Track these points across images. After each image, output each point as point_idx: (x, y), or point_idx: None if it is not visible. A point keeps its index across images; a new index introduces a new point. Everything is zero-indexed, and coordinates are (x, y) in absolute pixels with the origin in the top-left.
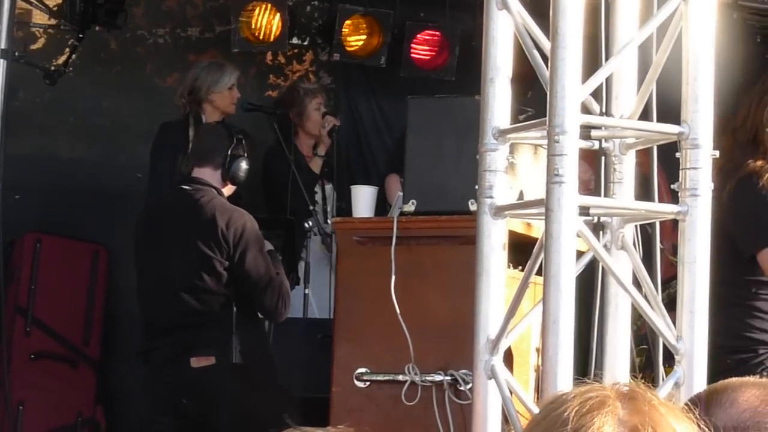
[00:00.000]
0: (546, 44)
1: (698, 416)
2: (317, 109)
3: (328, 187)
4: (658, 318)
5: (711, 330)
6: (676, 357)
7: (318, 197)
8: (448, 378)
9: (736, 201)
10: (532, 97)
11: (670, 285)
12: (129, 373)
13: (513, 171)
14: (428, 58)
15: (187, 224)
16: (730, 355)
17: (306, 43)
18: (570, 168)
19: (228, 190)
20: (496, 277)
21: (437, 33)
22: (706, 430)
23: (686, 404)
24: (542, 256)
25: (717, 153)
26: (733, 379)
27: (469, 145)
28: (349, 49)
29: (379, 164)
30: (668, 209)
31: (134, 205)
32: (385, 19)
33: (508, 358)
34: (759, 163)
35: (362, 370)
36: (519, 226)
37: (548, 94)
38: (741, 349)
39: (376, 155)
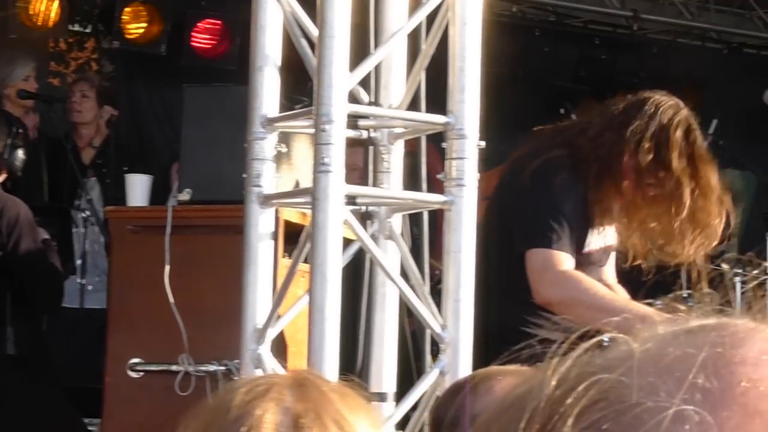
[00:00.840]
0: (315, 33)
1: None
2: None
3: (106, 176)
4: (424, 308)
5: (486, 318)
6: (441, 346)
7: (95, 186)
8: (222, 368)
9: (526, 193)
10: (312, 87)
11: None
12: None
13: (289, 161)
14: (209, 47)
15: None
16: (502, 344)
17: (88, 30)
18: (337, 157)
19: (1, 178)
20: (264, 266)
21: (218, 22)
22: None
23: (449, 389)
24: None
25: (483, 143)
26: (494, 368)
27: (244, 134)
28: (129, 36)
29: (159, 153)
30: (434, 199)
31: None
32: (165, 6)
33: (283, 348)
34: (558, 152)
35: (135, 360)
36: (294, 216)
37: (315, 83)
38: (514, 339)
39: (156, 144)
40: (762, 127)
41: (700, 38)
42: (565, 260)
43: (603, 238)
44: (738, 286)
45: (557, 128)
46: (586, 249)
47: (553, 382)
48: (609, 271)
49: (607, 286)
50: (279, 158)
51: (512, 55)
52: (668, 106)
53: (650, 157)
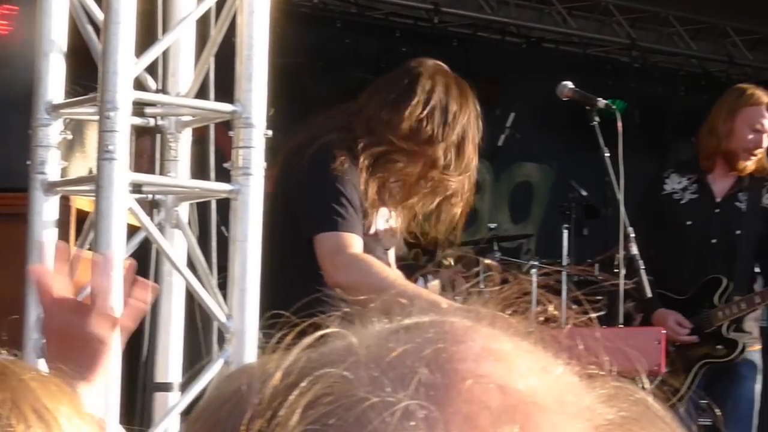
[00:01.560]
0: (101, 18)
1: None
2: None
3: None
4: (209, 298)
5: (273, 306)
6: (226, 336)
7: None
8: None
9: (306, 180)
10: None
11: None
12: None
13: (83, 149)
14: (5, 33)
15: None
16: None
17: None
18: (121, 144)
19: None
20: (48, 254)
21: (15, 8)
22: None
23: (227, 377)
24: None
25: (270, 132)
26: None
27: None
28: None
29: None
30: (220, 188)
31: None
32: None
33: None
34: (334, 135)
35: None
36: (88, 205)
37: (99, 69)
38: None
39: None
40: (559, 121)
41: (499, 32)
42: (355, 242)
43: (387, 220)
44: (534, 278)
45: (331, 113)
46: (372, 230)
47: (277, 376)
48: (391, 255)
49: None
50: (72, 146)
51: (313, 46)
52: (428, 75)
53: (424, 125)
